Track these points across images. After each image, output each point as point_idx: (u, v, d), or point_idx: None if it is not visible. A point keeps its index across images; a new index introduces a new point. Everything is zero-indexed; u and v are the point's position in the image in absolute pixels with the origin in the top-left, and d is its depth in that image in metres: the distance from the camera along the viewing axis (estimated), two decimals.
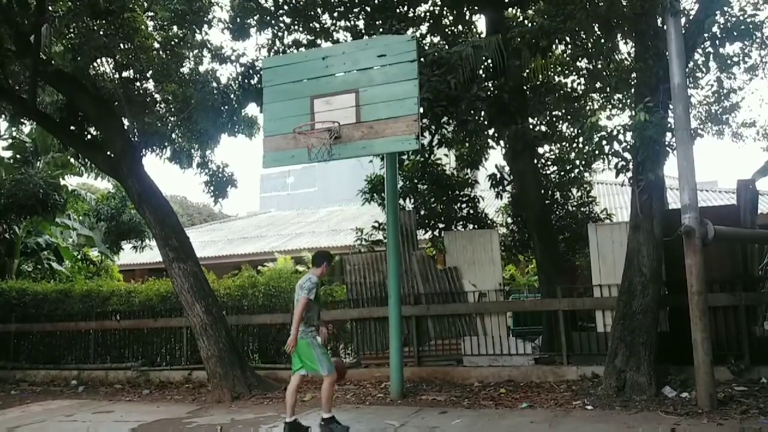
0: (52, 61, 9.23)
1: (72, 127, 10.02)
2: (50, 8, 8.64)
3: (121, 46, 9.10)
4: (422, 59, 7.15)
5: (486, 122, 9.36)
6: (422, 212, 10.61)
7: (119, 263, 17.94)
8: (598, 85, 10.37)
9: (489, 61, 8.43)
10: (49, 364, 10.91)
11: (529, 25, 8.45)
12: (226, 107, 9.58)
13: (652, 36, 6.98)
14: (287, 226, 23.91)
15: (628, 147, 6.74)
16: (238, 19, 9.72)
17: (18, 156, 14.59)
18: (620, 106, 10.70)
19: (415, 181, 10.88)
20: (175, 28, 9.71)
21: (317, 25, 10.19)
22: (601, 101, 11.02)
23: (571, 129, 10.82)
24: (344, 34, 10.25)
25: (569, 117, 10.88)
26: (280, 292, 10.08)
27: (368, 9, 9.64)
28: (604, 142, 6.80)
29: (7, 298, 11.71)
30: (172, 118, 10.13)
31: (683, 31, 6.53)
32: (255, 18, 9.80)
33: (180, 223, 9.35)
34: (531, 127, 9.68)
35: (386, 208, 8.02)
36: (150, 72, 9.83)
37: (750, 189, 7.85)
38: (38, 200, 11.74)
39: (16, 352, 11.34)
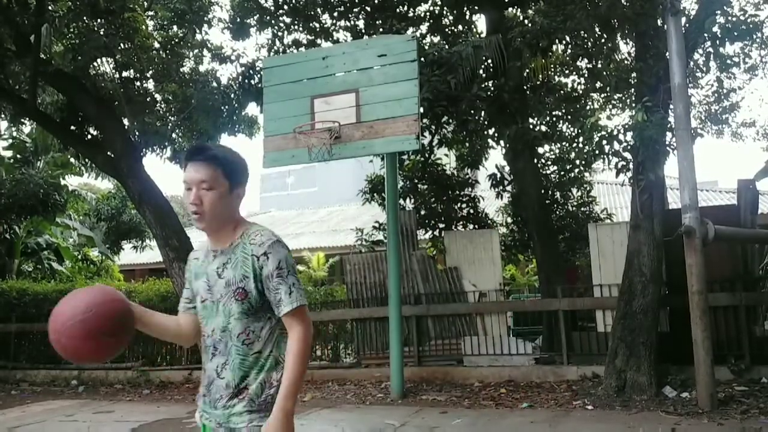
0: (52, 61, 9.23)
1: (72, 127, 10.01)
2: (50, 8, 8.63)
3: (121, 46, 9.10)
4: (422, 59, 7.14)
5: (486, 122, 9.36)
6: (422, 212, 10.61)
7: (119, 263, 17.93)
8: (598, 85, 10.38)
9: (489, 61, 8.43)
10: (49, 364, 10.87)
11: (529, 25, 8.45)
12: (226, 107, 9.59)
13: (652, 36, 6.98)
14: (287, 226, 23.89)
15: (628, 147, 6.74)
16: (238, 19, 9.73)
17: (18, 156, 14.58)
18: (620, 105, 10.71)
19: (415, 181, 10.88)
20: (175, 27, 9.71)
21: (317, 25, 10.19)
22: (601, 101, 11.03)
23: (571, 129, 10.82)
24: (344, 34, 10.27)
25: (569, 117, 10.88)
26: None
27: (368, 9, 9.64)
28: (604, 142, 6.81)
29: (7, 298, 11.67)
30: (172, 118, 10.13)
31: (683, 31, 6.52)
32: (255, 18, 9.81)
33: (180, 223, 9.35)
34: (531, 127, 9.67)
35: (386, 208, 8.01)
36: (150, 72, 9.83)
37: (750, 189, 7.85)
38: (38, 200, 11.72)
39: (16, 352, 11.31)
